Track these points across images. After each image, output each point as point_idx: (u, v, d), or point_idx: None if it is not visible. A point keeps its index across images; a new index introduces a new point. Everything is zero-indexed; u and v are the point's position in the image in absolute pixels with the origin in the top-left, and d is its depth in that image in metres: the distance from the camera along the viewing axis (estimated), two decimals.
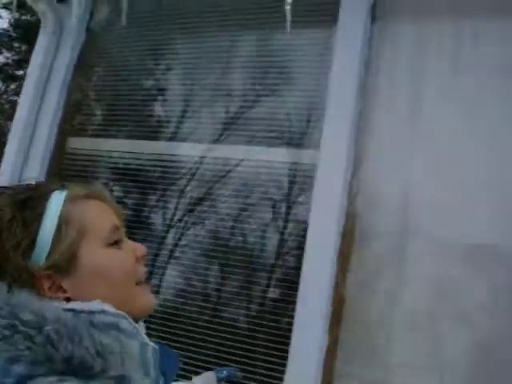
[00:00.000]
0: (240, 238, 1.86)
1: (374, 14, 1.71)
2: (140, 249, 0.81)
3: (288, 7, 1.33)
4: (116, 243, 0.79)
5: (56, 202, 0.77)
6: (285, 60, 1.87)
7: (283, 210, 1.82)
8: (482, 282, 1.46)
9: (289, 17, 1.34)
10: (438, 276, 1.49)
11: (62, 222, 0.75)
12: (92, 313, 0.70)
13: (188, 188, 1.93)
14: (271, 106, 1.87)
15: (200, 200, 1.92)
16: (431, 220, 1.54)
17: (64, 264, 0.74)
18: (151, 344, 0.71)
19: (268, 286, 1.77)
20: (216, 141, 1.94)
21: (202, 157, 1.92)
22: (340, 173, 1.54)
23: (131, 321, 0.72)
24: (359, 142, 1.62)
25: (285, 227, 1.80)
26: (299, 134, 1.81)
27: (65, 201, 0.77)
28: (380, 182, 1.62)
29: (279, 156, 1.79)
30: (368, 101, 1.65)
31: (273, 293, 1.78)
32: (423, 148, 1.59)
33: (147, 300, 0.81)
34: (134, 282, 0.79)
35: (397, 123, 1.63)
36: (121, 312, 0.71)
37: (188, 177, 1.95)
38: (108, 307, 0.71)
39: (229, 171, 1.89)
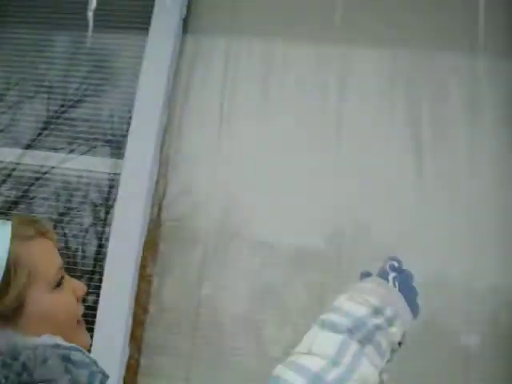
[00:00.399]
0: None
1: (187, 27, 1.73)
2: (80, 288, 0.82)
3: (91, 13, 1.29)
4: (59, 284, 0.78)
5: (2, 241, 0.72)
6: (105, 66, 1.82)
7: (100, 219, 1.77)
8: (302, 284, 1.54)
9: (91, 22, 1.29)
10: (260, 279, 1.54)
11: (11, 266, 0.71)
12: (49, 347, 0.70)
13: None
14: (89, 113, 1.81)
15: (9, 209, 1.80)
16: (251, 224, 1.59)
17: (10, 313, 0.72)
18: (102, 372, 0.71)
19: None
20: (29, 146, 1.82)
21: (17, 163, 1.80)
22: (144, 182, 1.54)
23: (85, 352, 0.72)
24: (171, 152, 1.63)
25: (100, 238, 1.75)
26: (116, 143, 1.78)
27: (11, 239, 0.73)
28: (197, 188, 1.64)
29: (95, 165, 1.74)
30: (178, 111, 1.67)
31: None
32: (237, 157, 1.64)
33: (84, 339, 0.82)
34: (75, 322, 0.80)
35: (208, 132, 1.67)
36: (74, 345, 0.71)
37: None
38: (60, 341, 0.71)
39: (38, 179, 1.79)
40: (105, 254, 1.57)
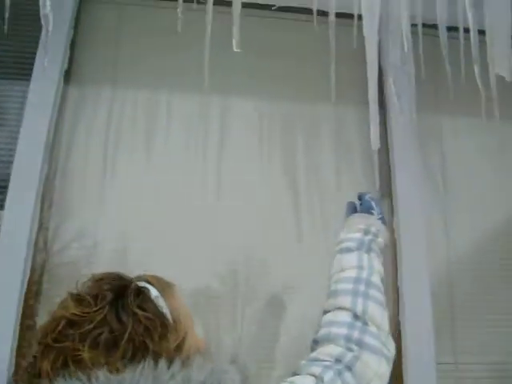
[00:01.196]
0: None
1: (69, 78, 1.79)
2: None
3: None
4: None
5: (161, 303, 0.85)
6: None
7: None
8: (200, 326, 1.55)
9: None
10: None
11: (177, 323, 0.83)
12: None
13: None
14: None
15: None
16: (144, 268, 1.60)
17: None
18: None
19: None
20: None
21: None
22: (25, 230, 1.55)
23: None
24: (54, 204, 1.66)
25: None
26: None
27: (162, 297, 0.85)
28: (87, 235, 1.65)
29: None
30: (61, 161, 1.71)
31: None
32: (124, 204, 1.68)
33: None
34: None
35: (92, 174, 1.71)
36: None
37: None
38: None
39: None
40: None
